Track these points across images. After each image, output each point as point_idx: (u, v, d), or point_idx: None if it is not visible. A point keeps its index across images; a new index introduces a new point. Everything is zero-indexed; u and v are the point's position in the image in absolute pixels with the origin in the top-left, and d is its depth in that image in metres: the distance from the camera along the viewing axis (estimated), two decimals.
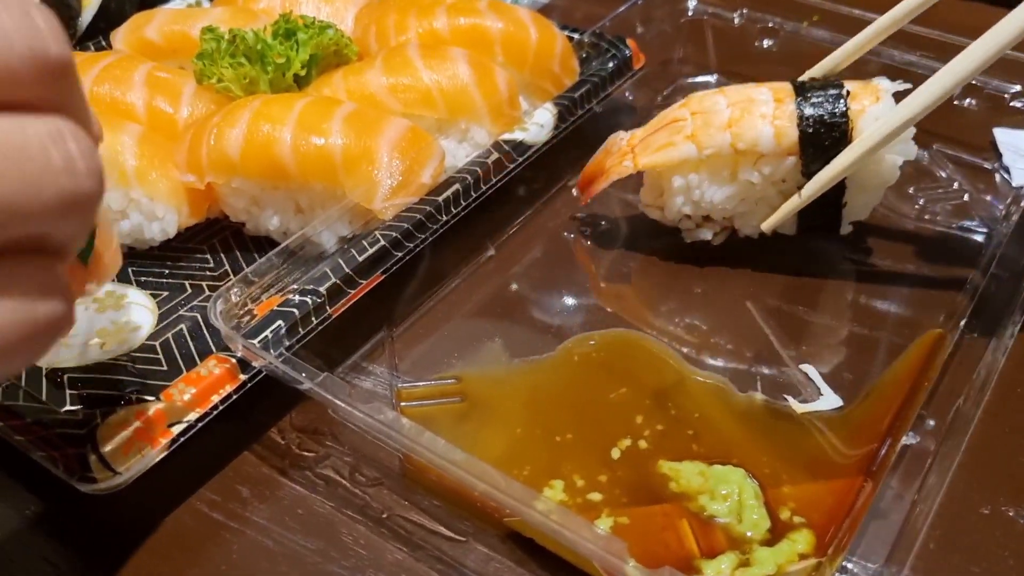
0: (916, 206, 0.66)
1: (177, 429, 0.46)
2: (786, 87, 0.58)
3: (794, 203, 0.57)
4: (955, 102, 0.71)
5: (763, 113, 0.56)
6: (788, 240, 0.62)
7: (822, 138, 0.55)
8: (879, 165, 0.57)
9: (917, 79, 0.70)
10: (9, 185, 0.27)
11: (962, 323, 0.53)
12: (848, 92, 0.56)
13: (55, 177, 0.28)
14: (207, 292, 0.58)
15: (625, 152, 0.60)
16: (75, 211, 0.29)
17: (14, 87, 0.27)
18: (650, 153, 0.59)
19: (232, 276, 0.59)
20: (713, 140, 0.56)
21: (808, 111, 0.56)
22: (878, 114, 0.55)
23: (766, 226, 0.59)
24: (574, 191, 0.65)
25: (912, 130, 0.55)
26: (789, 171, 0.57)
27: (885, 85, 0.57)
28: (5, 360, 0.29)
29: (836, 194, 0.57)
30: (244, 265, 0.60)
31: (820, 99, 0.56)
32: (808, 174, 0.56)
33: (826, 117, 0.55)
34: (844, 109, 0.55)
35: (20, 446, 0.45)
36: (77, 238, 0.31)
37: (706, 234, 0.61)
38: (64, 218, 0.29)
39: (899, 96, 0.55)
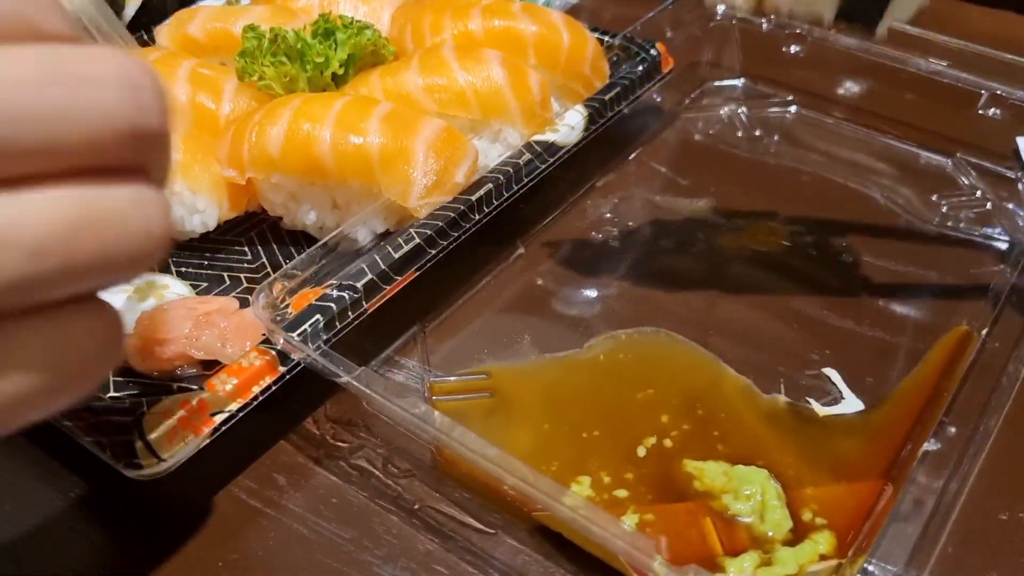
0: (939, 213, 0.67)
1: (219, 418, 0.48)
2: None
3: None
4: (979, 111, 0.72)
5: None
6: (813, 244, 0.63)
7: None
8: None
9: (944, 89, 0.71)
10: (85, 253, 0.28)
11: (984, 332, 0.54)
12: None
13: (129, 245, 0.29)
14: (244, 283, 0.60)
15: None
16: (141, 268, 0.30)
17: (106, 155, 0.28)
18: None
19: (269, 268, 0.61)
20: None
21: None
22: None
23: None
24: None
25: None
26: None
27: None
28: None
29: None
30: (280, 258, 0.62)
31: None
32: None
33: None
34: None
35: (68, 431, 0.47)
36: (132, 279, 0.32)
37: None
38: (129, 272, 0.30)
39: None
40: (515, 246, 0.64)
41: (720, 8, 0.78)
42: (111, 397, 0.49)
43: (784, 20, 0.78)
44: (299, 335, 0.50)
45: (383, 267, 0.54)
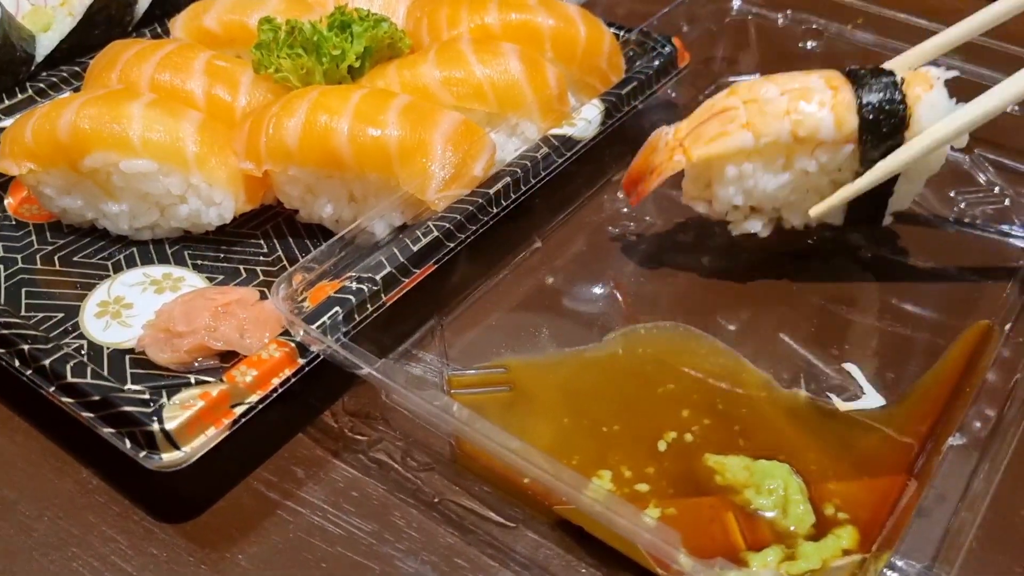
0: (956, 209, 0.67)
1: (239, 410, 0.48)
2: (837, 75, 0.57)
3: (846, 192, 0.57)
4: None
5: (821, 101, 0.56)
6: (831, 240, 0.63)
7: (881, 125, 0.55)
8: (928, 156, 0.57)
9: (960, 84, 0.71)
10: None
11: (1007, 327, 0.54)
12: (902, 80, 0.56)
13: None
14: (260, 276, 0.59)
15: (673, 147, 0.59)
16: None
17: None
18: (702, 144, 0.57)
19: (285, 261, 0.61)
20: (770, 128, 0.56)
21: (866, 98, 0.55)
22: (933, 102, 0.55)
23: (814, 212, 0.58)
24: (619, 194, 0.65)
25: None
26: (846, 159, 0.57)
27: (935, 73, 0.57)
28: None
29: (887, 185, 0.57)
30: (296, 251, 0.61)
31: (876, 87, 0.56)
32: (867, 162, 0.56)
33: (885, 104, 0.55)
34: (901, 96, 0.55)
35: (88, 423, 0.47)
36: None
37: (755, 226, 0.60)
38: None
39: (950, 86, 0.56)
40: (532, 240, 0.64)
41: (736, 2, 0.78)
42: (130, 389, 0.48)
43: (800, 15, 0.77)
44: (318, 327, 0.49)
45: (402, 260, 0.54)
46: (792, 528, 0.46)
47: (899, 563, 0.41)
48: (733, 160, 0.58)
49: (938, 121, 0.55)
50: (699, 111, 0.60)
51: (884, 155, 0.56)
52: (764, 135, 0.56)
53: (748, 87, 0.59)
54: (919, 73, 0.57)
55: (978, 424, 0.46)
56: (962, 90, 0.71)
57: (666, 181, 0.66)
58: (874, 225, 0.61)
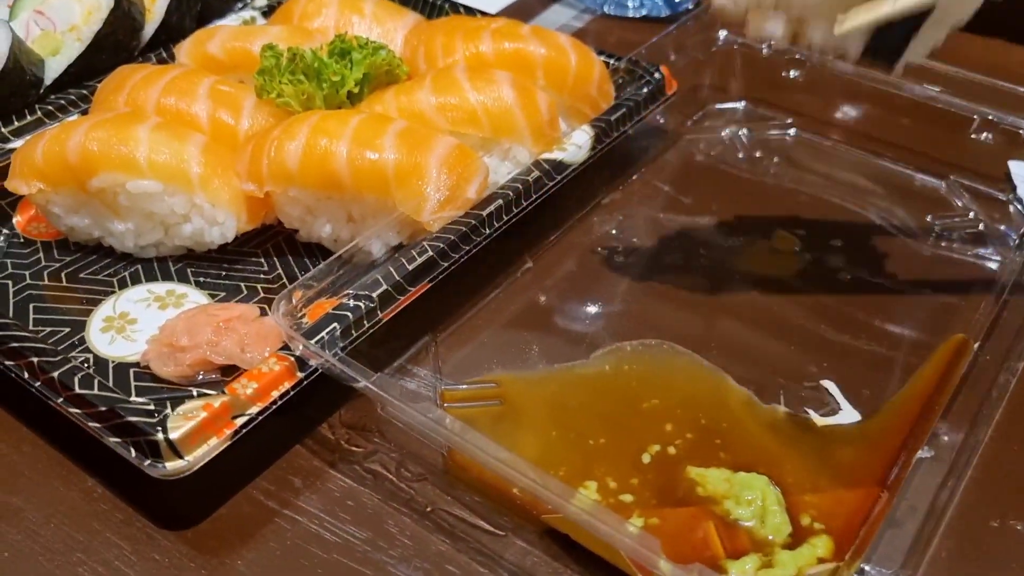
0: (933, 233, 0.69)
1: (239, 421, 0.49)
2: None
3: (883, 11, 0.53)
4: (972, 135, 0.74)
5: None
6: (813, 262, 0.65)
7: None
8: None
9: (938, 114, 0.73)
10: None
11: (976, 346, 0.56)
12: None
13: None
14: (261, 293, 0.61)
15: None
16: None
17: None
18: None
19: (285, 279, 0.63)
20: None
21: None
22: None
23: (840, 30, 0.54)
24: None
25: None
26: None
27: None
28: None
29: (916, 19, 0.54)
30: (296, 269, 0.64)
31: None
32: None
33: None
34: None
35: (94, 432, 0.49)
36: None
37: (775, 29, 0.57)
38: None
39: None
40: (524, 260, 0.66)
41: (722, 33, 0.81)
42: (135, 401, 0.50)
43: (784, 46, 0.80)
44: (317, 342, 0.51)
45: (397, 278, 0.56)
46: (769, 537, 0.48)
47: (870, 570, 0.43)
48: None
49: None
50: None
51: None
52: None
53: None
54: None
55: (946, 438, 0.48)
56: (942, 121, 0.74)
57: (653, 204, 0.68)
58: (891, 60, 0.57)
